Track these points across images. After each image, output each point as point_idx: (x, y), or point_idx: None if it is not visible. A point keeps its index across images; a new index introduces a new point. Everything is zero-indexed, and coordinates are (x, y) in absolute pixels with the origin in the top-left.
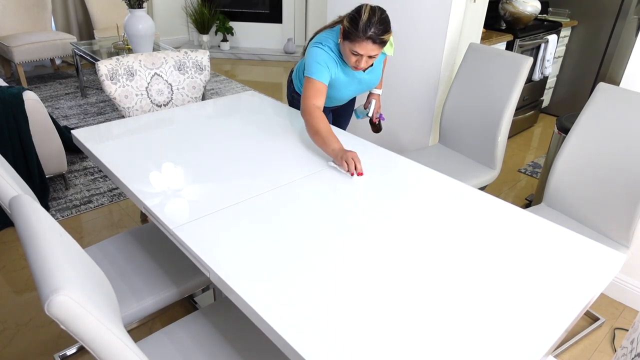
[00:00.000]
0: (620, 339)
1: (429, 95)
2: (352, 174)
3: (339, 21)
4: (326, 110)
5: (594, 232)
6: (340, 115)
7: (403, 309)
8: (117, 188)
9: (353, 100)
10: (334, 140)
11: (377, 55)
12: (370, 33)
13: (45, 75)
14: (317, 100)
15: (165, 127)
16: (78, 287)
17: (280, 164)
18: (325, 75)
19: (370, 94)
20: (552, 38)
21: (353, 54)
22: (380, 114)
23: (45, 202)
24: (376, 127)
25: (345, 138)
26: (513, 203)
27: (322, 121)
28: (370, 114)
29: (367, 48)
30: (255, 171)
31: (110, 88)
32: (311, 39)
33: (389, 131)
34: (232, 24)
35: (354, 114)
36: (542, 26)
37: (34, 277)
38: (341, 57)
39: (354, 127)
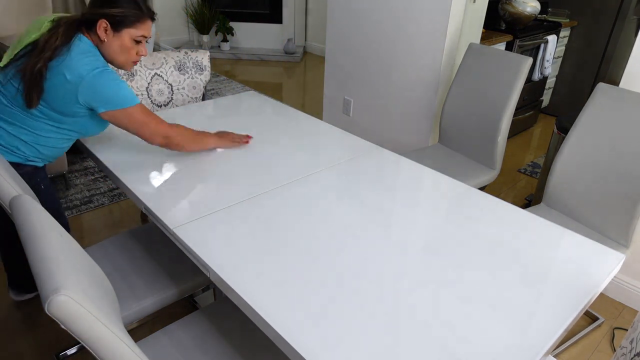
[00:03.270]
0: (619, 338)
1: (429, 95)
2: (247, 142)
3: (71, 29)
4: (46, 170)
5: (594, 232)
6: None
7: (403, 309)
8: (117, 188)
9: None
10: (205, 133)
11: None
12: (149, 9)
13: None
14: (161, 119)
15: None
16: (78, 287)
17: (281, 164)
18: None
19: None
20: (552, 38)
21: (137, 41)
22: None
23: None
24: None
25: (340, 137)
26: (513, 203)
27: (186, 128)
28: None
29: (150, 28)
30: (256, 171)
31: None
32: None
33: (389, 131)
34: (232, 24)
35: None
36: (541, 26)
37: (34, 277)
38: None
39: (349, 124)
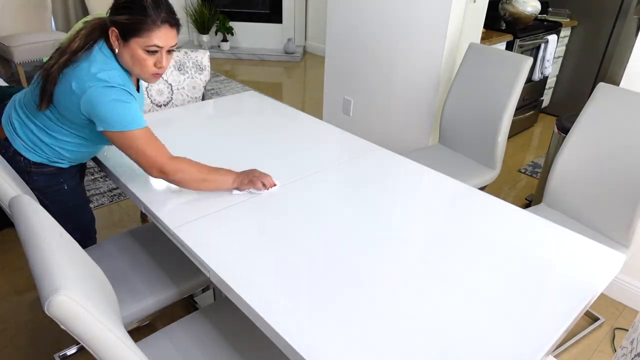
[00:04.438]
0: (620, 339)
1: (429, 95)
2: (269, 188)
3: (92, 33)
4: (75, 168)
5: (594, 232)
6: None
7: (403, 309)
8: (117, 188)
9: None
10: (223, 171)
11: (175, 45)
12: (163, 14)
13: None
14: (163, 149)
15: (165, 127)
16: (78, 287)
17: (281, 164)
18: (142, 115)
19: None
20: (552, 38)
21: (150, 52)
22: None
23: None
24: None
25: (341, 137)
26: (513, 203)
27: (194, 165)
28: None
29: (167, 36)
30: None
31: None
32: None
33: (389, 131)
34: (232, 24)
35: None
36: (542, 26)
37: (34, 277)
38: (129, 85)
39: (349, 124)
